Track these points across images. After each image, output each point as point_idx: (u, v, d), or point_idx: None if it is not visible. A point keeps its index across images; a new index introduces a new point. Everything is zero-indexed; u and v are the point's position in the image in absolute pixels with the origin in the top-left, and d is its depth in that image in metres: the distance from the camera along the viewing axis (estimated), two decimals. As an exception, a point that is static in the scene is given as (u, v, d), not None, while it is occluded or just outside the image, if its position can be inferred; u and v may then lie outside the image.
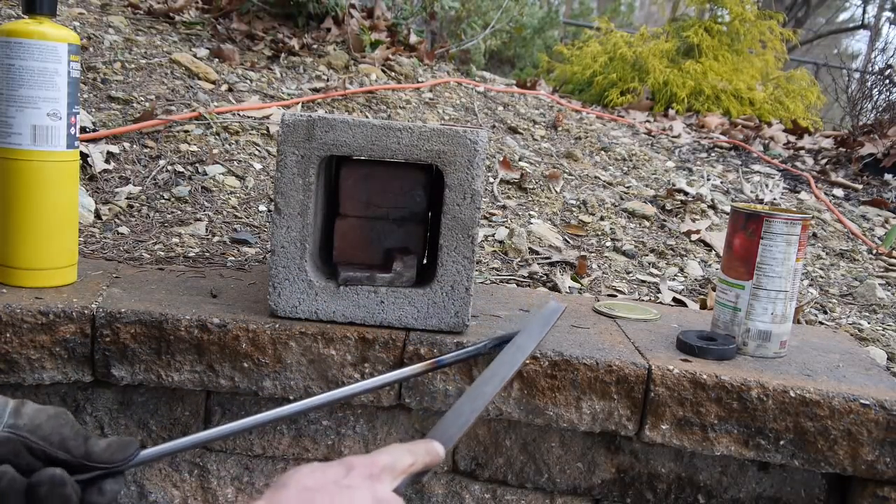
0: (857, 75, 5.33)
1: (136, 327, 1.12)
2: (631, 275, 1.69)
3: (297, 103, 2.25)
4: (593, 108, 3.41)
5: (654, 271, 1.73)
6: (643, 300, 1.55)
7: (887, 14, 10.57)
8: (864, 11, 10.86)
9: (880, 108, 3.35)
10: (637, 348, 1.18)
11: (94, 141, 1.79)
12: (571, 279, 1.61)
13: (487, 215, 1.88)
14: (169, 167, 1.79)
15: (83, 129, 1.80)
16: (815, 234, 2.12)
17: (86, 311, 1.11)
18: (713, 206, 2.16)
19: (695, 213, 2.10)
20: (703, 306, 1.55)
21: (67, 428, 0.72)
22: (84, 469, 0.72)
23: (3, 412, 0.70)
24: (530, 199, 2.03)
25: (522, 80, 3.47)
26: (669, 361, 1.13)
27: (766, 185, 2.48)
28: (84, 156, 1.70)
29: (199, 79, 2.27)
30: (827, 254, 2.01)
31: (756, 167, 2.71)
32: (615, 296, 1.56)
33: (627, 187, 2.23)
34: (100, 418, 1.21)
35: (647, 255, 1.81)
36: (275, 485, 0.58)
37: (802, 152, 3.04)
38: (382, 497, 0.61)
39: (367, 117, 2.31)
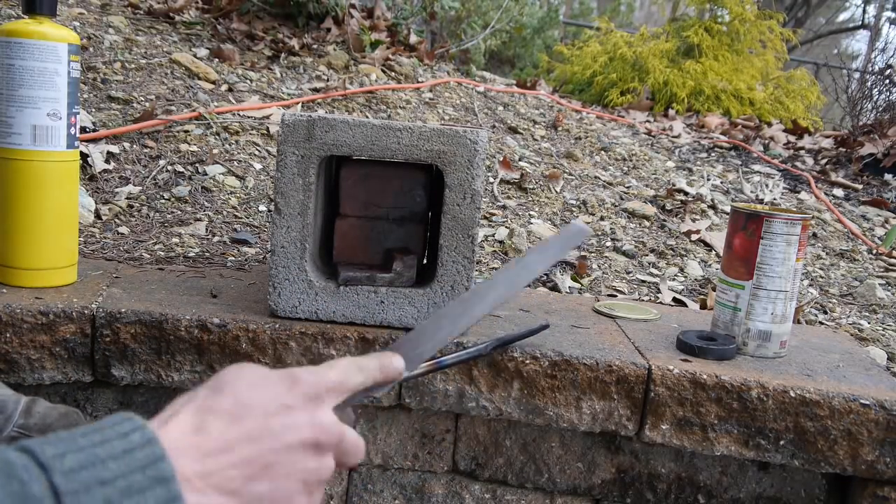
0: (857, 75, 5.33)
1: (136, 327, 1.12)
2: (631, 275, 1.69)
3: (297, 103, 2.25)
4: (593, 108, 3.41)
5: (654, 271, 1.73)
6: (643, 300, 1.55)
7: (887, 14, 10.57)
8: (864, 11, 10.86)
9: (880, 108, 3.35)
10: (637, 348, 1.18)
11: (94, 141, 1.79)
12: (571, 279, 1.61)
13: (487, 215, 1.88)
14: (169, 167, 1.79)
15: (83, 129, 1.80)
16: (815, 234, 2.12)
17: (86, 311, 1.11)
18: (713, 206, 2.16)
19: (695, 213, 2.10)
20: (703, 306, 1.55)
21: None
22: None
23: (14, 412, 0.70)
24: (530, 199, 2.03)
25: (522, 80, 3.47)
26: (669, 361, 1.13)
27: (766, 185, 2.48)
28: (84, 156, 1.70)
29: (199, 79, 2.27)
30: (827, 254, 2.01)
31: (756, 167, 2.71)
32: (615, 296, 1.56)
33: (627, 187, 2.23)
34: (100, 418, 1.21)
35: (647, 255, 1.81)
36: (213, 383, 0.53)
37: (802, 152, 3.04)
38: (321, 421, 0.54)
39: (367, 117, 2.31)
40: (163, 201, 1.68)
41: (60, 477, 0.41)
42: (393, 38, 3.05)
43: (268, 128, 2.06)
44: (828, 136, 3.29)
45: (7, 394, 0.71)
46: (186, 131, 1.94)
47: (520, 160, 2.26)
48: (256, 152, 1.95)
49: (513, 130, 2.56)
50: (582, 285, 1.60)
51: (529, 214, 1.93)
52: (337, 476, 1.24)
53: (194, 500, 0.46)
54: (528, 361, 1.11)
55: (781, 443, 1.11)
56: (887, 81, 3.42)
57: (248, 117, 2.09)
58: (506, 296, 0.78)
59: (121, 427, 0.46)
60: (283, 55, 2.61)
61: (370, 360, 0.62)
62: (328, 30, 2.81)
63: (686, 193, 2.20)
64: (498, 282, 0.78)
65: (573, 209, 2.00)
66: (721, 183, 2.44)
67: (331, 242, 1.20)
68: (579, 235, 0.87)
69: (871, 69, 4.06)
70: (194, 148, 1.88)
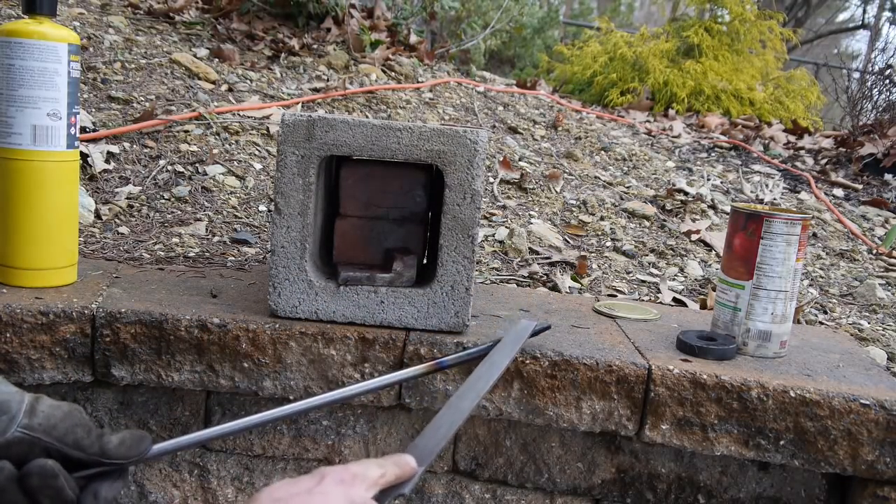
0: (857, 75, 5.33)
1: (136, 327, 1.12)
2: (631, 275, 1.69)
3: (297, 103, 2.25)
4: (593, 108, 3.41)
5: (654, 271, 1.73)
6: (643, 300, 1.55)
7: (887, 14, 10.57)
8: (864, 11, 10.86)
9: (880, 108, 3.35)
10: (637, 348, 1.18)
11: (94, 141, 1.79)
12: (571, 279, 1.61)
13: (487, 215, 1.88)
14: (169, 167, 1.79)
15: (83, 129, 1.80)
16: (815, 234, 2.12)
17: (86, 311, 1.11)
18: (713, 206, 2.16)
19: (695, 213, 2.10)
20: (703, 306, 1.55)
21: (81, 428, 0.72)
22: (100, 465, 0.72)
23: (19, 412, 0.69)
24: (530, 199, 2.03)
25: (522, 80, 3.47)
26: (669, 361, 1.13)
27: (766, 185, 2.48)
28: (84, 156, 1.70)
29: (199, 79, 2.27)
30: (827, 254, 2.01)
31: (756, 167, 2.71)
32: (615, 296, 1.56)
33: (627, 187, 2.23)
34: (100, 418, 1.21)
35: (647, 255, 1.81)
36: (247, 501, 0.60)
37: (802, 152, 3.04)
38: (355, 498, 0.62)
39: (367, 117, 2.31)
40: (163, 201, 1.68)
41: None
42: (393, 38, 3.05)
43: (268, 128, 2.06)
44: (828, 136, 3.29)
45: (10, 391, 0.71)
46: (186, 131, 1.94)
47: (520, 160, 2.26)
48: (256, 152, 1.95)
49: (513, 130, 2.56)
50: (582, 285, 1.60)
51: (529, 214, 1.93)
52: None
53: None
54: (528, 361, 1.11)
55: (781, 443, 1.11)
56: (887, 81, 3.42)
57: (248, 117, 2.09)
58: (483, 393, 0.92)
59: None
60: (283, 55, 2.61)
61: (388, 459, 0.69)
62: (328, 30, 2.81)
63: (686, 193, 2.20)
64: (475, 381, 0.94)
65: (573, 209, 2.00)
66: (721, 183, 2.44)
67: (331, 242, 1.20)
68: (527, 329, 1.06)
69: (871, 69, 4.06)
70: (194, 148, 1.88)
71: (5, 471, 0.67)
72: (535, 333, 1.13)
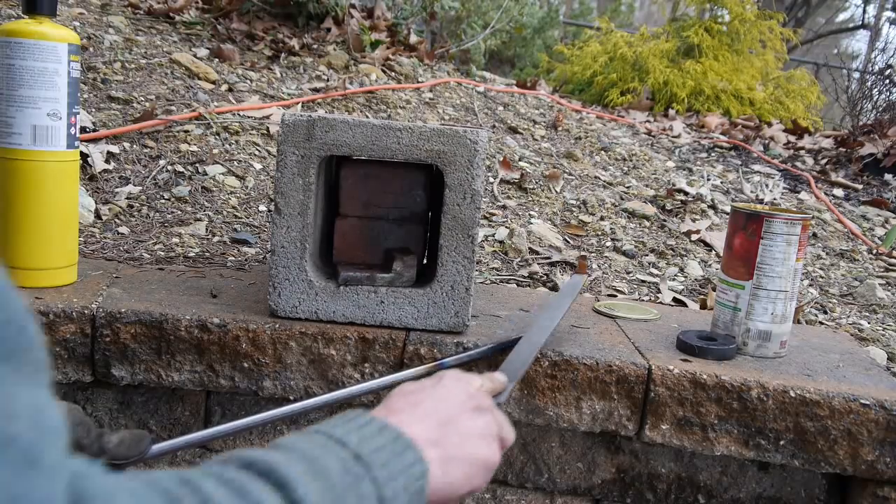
0: (857, 75, 5.33)
1: (136, 327, 1.12)
2: (631, 275, 1.69)
3: (297, 103, 2.25)
4: (593, 108, 3.41)
5: (654, 271, 1.73)
6: (643, 300, 1.55)
7: (887, 14, 10.56)
8: (864, 11, 10.86)
9: (880, 108, 3.35)
10: (637, 348, 1.18)
11: (94, 141, 1.79)
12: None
13: (487, 215, 1.88)
14: (169, 167, 1.79)
15: (83, 129, 1.80)
16: (815, 234, 2.12)
17: (86, 311, 1.11)
18: (713, 206, 2.16)
19: (695, 213, 2.10)
20: (703, 306, 1.55)
21: (81, 427, 0.72)
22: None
23: None
24: (530, 199, 2.03)
25: (522, 80, 3.47)
26: (669, 361, 1.13)
27: (766, 185, 2.48)
28: (84, 156, 1.70)
29: (199, 79, 2.27)
30: (827, 254, 2.01)
31: (756, 167, 2.71)
32: (615, 296, 1.56)
33: (627, 187, 2.23)
34: (100, 418, 1.21)
35: (647, 255, 1.81)
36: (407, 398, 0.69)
37: (802, 152, 3.04)
38: (472, 392, 0.73)
39: (367, 117, 2.31)
40: (163, 201, 1.68)
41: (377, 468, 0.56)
42: (393, 38, 3.05)
43: (268, 128, 2.06)
44: (828, 136, 3.29)
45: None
46: (186, 131, 1.94)
47: (520, 160, 2.26)
48: (256, 152, 1.95)
49: (513, 130, 2.56)
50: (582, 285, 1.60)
51: (529, 214, 1.93)
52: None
53: (429, 456, 0.62)
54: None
55: (781, 443, 1.11)
56: (887, 81, 3.42)
57: (248, 117, 2.09)
58: (554, 326, 1.06)
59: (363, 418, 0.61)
60: (283, 55, 2.61)
61: (482, 374, 0.82)
62: (328, 30, 2.81)
63: (686, 193, 2.20)
64: (545, 315, 1.05)
65: (573, 209, 2.00)
66: (721, 183, 2.44)
67: (331, 242, 1.20)
68: (579, 283, 1.16)
69: (871, 69, 4.06)
70: (194, 148, 1.88)
71: None
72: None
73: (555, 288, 1.57)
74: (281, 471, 0.48)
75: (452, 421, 0.68)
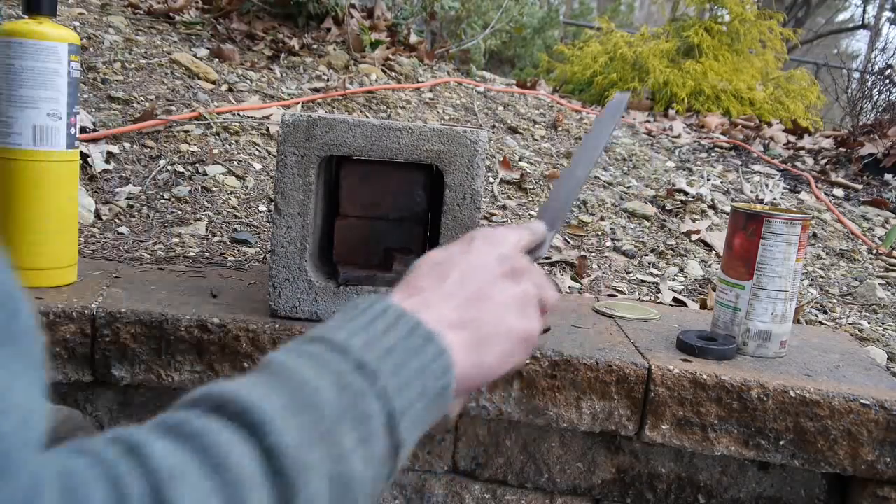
0: (857, 75, 5.33)
1: (136, 327, 1.12)
2: (631, 275, 1.69)
3: (297, 103, 2.25)
4: (593, 108, 3.41)
5: (654, 271, 1.73)
6: (643, 300, 1.55)
7: (887, 14, 10.57)
8: (864, 11, 10.86)
9: (880, 108, 3.35)
10: (637, 348, 1.18)
11: (94, 141, 1.79)
12: (571, 279, 1.61)
13: (487, 215, 1.88)
14: (169, 167, 1.79)
15: (83, 129, 1.80)
16: (815, 234, 2.12)
17: (86, 311, 1.11)
18: (713, 206, 2.16)
19: (695, 213, 2.10)
20: (703, 306, 1.55)
21: (82, 432, 0.72)
22: None
23: None
24: (530, 199, 2.03)
25: (522, 80, 3.47)
26: (669, 361, 1.13)
27: (766, 185, 2.48)
28: (84, 156, 1.70)
29: (199, 79, 2.27)
30: (827, 254, 2.01)
31: (756, 167, 2.71)
32: (615, 296, 1.56)
33: (627, 187, 2.23)
34: (100, 418, 1.21)
35: (647, 255, 1.81)
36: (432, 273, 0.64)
37: (802, 152, 3.04)
38: (505, 252, 0.65)
39: (367, 117, 2.31)
40: (163, 201, 1.68)
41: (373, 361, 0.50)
42: (393, 38, 3.05)
43: (268, 128, 2.06)
44: (828, 136, 3.28)
45: None
46: (186, 131, 1.94)
47: (520, 160, 2.26)
48: (256, 152, 1.95)
49: (513, 130, 2.56)
50: (582, 285, 1.60)
51: (529, 214, 1.93)
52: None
53: (448, 339, 0.55)
54: (527, 361, 1.11)
55: (781, 443, 1.11)
56: (887, 81, 3.42)
57: (248, 117, 2.09)
58: (595, 159, 0.90)
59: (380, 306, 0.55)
60: (283, 55, 2.61)
61: (519, 225, 0.73)
62: (328, 30, 2.81)
63: (686, 193, 2.20)
64: (583, 151, 0.90)
65: (573, 209, 2.00)
66: (721, 183, 2.44)
67: (331, 242, 1.20)
68: (623, 101, 1.01)
69: (871, 69, 4.06)
70: (194, 148, 1.88)
71: None
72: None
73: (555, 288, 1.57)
74: (254, 412, 0.41)
75: (483, 293, 0.61)
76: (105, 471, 0.36)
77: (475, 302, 0.60)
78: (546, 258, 1.69)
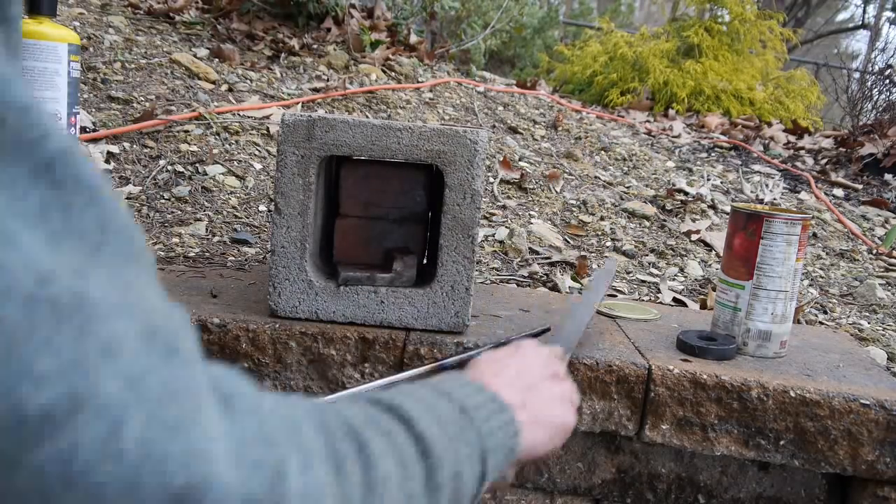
0: (857, 75, 5.33)
1: (136, 327, 1.11)
2: (631, 275, 1.69)
3: (297, 103, 2.25)
4: (593, 108, 3.41)
5: (654, 271, 1.73)
6: (643, 300, 1.55)
7: (887, 14, 10.57)
8: (864, 11, 10.86)
9: (880, 108, 3.35)
10: (637, 348, 1.18)
11: (94, 141, 1.79)
12: (571, 279, 1.61)
13: (487, 215, 1.88)
14: (169, 167, 1.79)
15: (83, 129, 1.80)
16: (815, 234, 2.12)
17: (86, 311, 1.11)
18: (713, 206, 2.16)
19: (695, 213, 2.10)
20: (703, 306, 1.55)
21: None
22: None
23: None
24: (530, 199, 2.03)
25: (522, 80, 3.47)
26: (669, 361, 1.13)
27: (766, 185, 2.48)
28: (84, 156, 1.70)
29: (199, 79, 2.27)
30: (827, 254, 2.01)
31: (756, 167, 2.71)
32: (615, 296, 1.56)
33: (627, 187, 2.23)
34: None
35: (647, 255, 1.81)
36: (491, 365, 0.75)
37: (802, 152, 3.04)
38: (552, 363, 0.80)
39: (367, 117, 2.31)
40: (163, 201, 1.68)
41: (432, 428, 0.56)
42: (393, 38, 3.05)
43: (268, 128, 2.06)
44: (828, 136, 3.29)
45: None
46: (186, 131, 1.94)
47: (520, 160, 2.26)
48: (256, 152, 1.95)
49: (513, 130, 2.56)
50: (582, 285, 1.60)
51: (529, 214, 1.93)
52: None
53: (520, 418, 0.66)
54: (528, 361, 1.11)
55: (781, 443, 1.11)
56: (887, 81, 3.42)
57: (248, 117, 2.09)
58: (598, 302, 1.10)
59: (461, 380, 0.66)
60: (283, 55, 2.61)
61: (550, 347, 0.88)
62: (328, 30, 2.81)
63: (686, 193, 2.20)
64: (586, 298, 1.09)
65: (573, 209, 2.00)
66: (721, 183, 2.44)
67: (331, 242, 1.20)
68: (612, 269, 1.19)
69: (871, 69, 4.06)
70: (194, 148, 1.88)
71: None
72: (534, 335, 1.13)
73: (555, 288, 1.57)
74: (404, 409, 0.53)
75: (535, 387, 0.73)
76: (329, 441, 0.43)
77: (530, 392, 0.72)
78: (546, 258, 1.69)
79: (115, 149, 1.80)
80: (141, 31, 2.53)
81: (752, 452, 1.12)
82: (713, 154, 2.82)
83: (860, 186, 2.64)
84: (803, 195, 2.46)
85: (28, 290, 0.30)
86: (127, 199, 1.66)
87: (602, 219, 1.97)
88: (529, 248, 1.73)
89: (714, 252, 1.89)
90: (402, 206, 1.19)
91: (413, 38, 3.13)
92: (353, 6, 2.90)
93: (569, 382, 0.80)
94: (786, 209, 1.45)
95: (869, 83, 3.54)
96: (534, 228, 1.83)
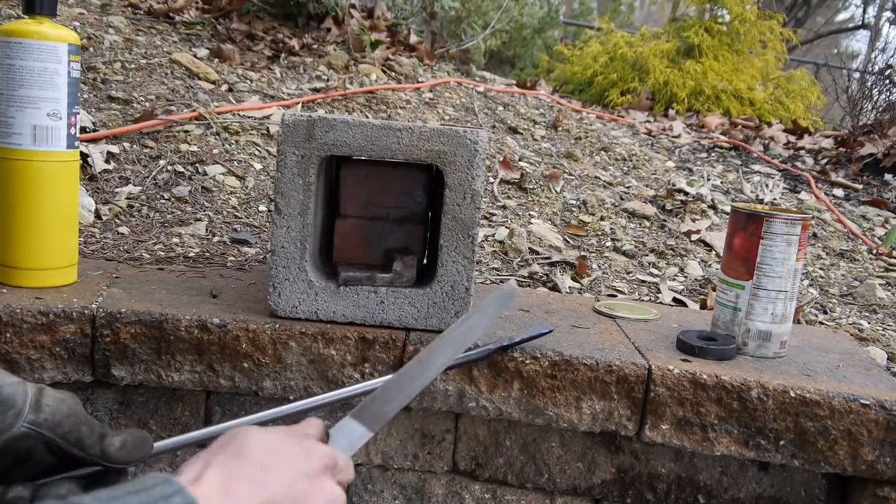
0: (857, 75, 5.33)
1: (136, 327, 1.12)
2: (631, 275, 1.69)
3: (297, 103, 2.25)
4: (593, 108, 3.41)
5: (654, 271, 1.73)
6: (643, 300, 1.55)
7: (887, 14, 10.57)
8: (864, 11, 10.86)
9: (880, 108, 3.35)
10: (637, 348, 1.18)
11: (94, 141, 1.79)
12: (571, 279, 1.61)
13: (487, 215, 1.88)
14: (169, 167, 1.79)
15: (83, 129, 1.80)
16: (815, 234, 2.12)
17: (86, 311, 1.11)
18: (713, 206, 2.16)
19: (695, 213, 2.10)
20: (703, 306, 1.55)
21: (85, 426, 0.72)
22: (99, 465, 0.72)
23: (24, 405, 0.69)
24: (530, 199, 2.03)
25: (522, 80, 3.47)
26: (669, 361, 1.13)
27: (766, 185, 2.48)
28: (84, 156, 1.70)
29: (199, 79, 2.27)
30: (827, 254, 2.01)
31: (756, 167, 2.71)
32: (615, 296, 1.56)
33: (627, 187, 2.23)
34: (100, 418, 1.21)
35: (647, 255, 1.81)
36: (229, 447, 0.59)
37: (802, 152, 3.04)
38: (335, 492, 0.63)
39: (367, 117, 2.31)
40: (163, 201, 1.68)
41: None
42: (393, 38, 3.05)
43: (268, 128, 2.06)
44: (828, 136, 3.29)
45: (13, 382, 0.70)
46: (186, 131, 1.94)
47: (520, 160, 2.26)
48: (256, 152, 1.95)
49: (513, 130, 2.56)
50: (582, 285, 1.60)
51: (529, 214, 1.93)
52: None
53: None
54: (528, 361, 1.11)
55: (781, 443, 1.11)
56: (887, 81, 3.42)
57: (248, 117, 2.09)
58: (454, 357, 0.80)
59: (163, 489, 0.52)
60: (283, 55, 2.61)
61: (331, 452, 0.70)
62: (328, 30, 2.81)
63: (686, 193, 2.20)
64: (446, 343, 0.79)
65: (573, 209, 2.00)
66: (721, 183, 2.44)
67: (331, 242, 1.20)
68: (510, 295, 0.85)
69: (871, 69, 4.05)
70: (194, 148, 1.88)
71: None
72: (535, 337, 1.13)
73: (555, 288, 1.57)
74: None
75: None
76: None
77: None
78: (546, 258, 1.69)
79: (115, 149, 1.80)
80: (141, 31, 2.53)
81: (752, 452, 1.12)
82: (713, 154, 2.82)
83: (860, 186, 2.64)
84: (803, 195, 2.46)
85: None
86: (127, 199, 1.66)
87: (602, 219, 1.97)
88: (529, 248, 1.73)
89: (714, 252, 1.89)
90: (402, 206, 1.19)
91: (413, 38, 3.13)
92: (353, 6, 2.90)
93: (338, 490, 0.64)
94: (786, 209, 1.45)
95: (869, 83, 3.54)
96: (534, 228, 1.83)
